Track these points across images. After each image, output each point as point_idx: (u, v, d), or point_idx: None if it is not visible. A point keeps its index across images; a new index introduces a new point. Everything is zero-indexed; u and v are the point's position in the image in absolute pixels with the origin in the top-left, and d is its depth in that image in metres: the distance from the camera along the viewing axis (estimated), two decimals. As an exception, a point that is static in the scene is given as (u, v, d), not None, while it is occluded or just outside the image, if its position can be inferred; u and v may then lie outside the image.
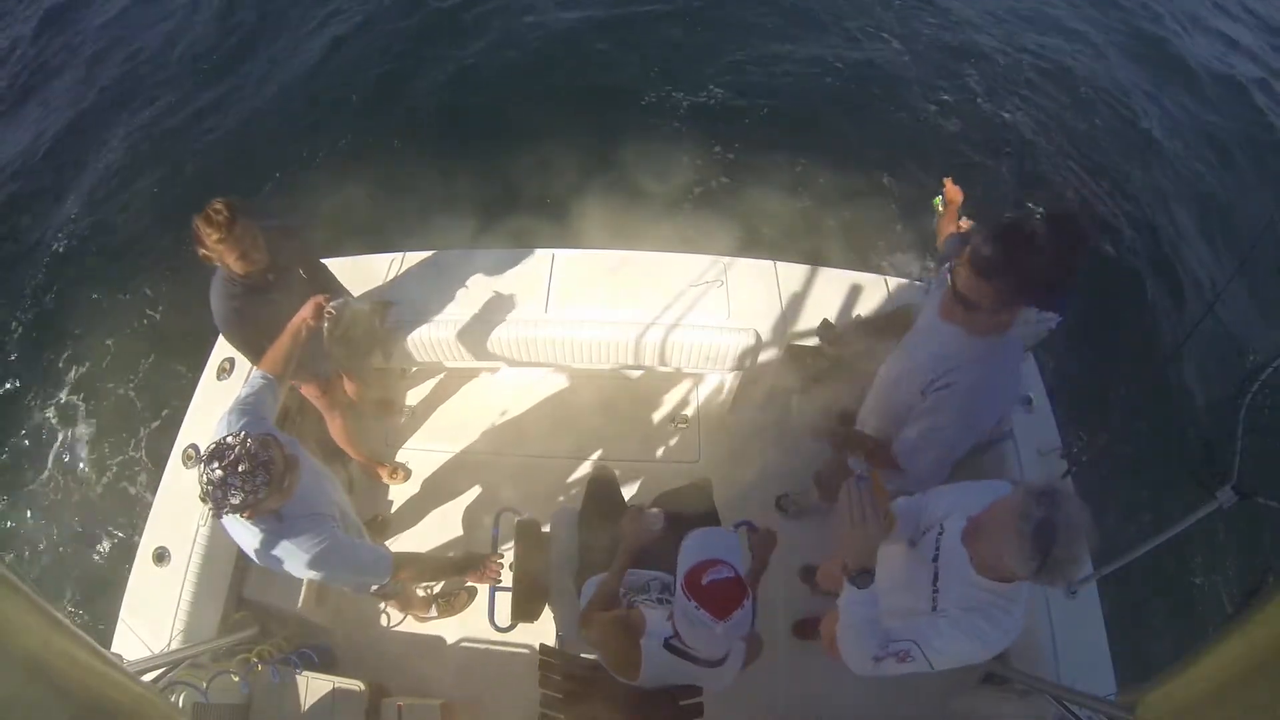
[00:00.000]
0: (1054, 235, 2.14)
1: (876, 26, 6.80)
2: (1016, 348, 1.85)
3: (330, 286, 2.75)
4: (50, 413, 4.45)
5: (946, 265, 2.49)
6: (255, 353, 2.44)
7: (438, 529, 3.08)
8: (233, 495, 1.59)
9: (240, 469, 1.59)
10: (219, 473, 1.59)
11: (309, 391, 2.72)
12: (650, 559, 2.05)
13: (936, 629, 1.54)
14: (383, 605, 2.86)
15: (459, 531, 3.07)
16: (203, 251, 2.16)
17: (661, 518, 2.00)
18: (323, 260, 2.76)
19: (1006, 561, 1.39)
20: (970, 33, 6.97)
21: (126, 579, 2.49)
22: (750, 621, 1.50)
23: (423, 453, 3.27)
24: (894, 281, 3.12)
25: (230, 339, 2.43)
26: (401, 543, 3.02)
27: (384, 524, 3.08)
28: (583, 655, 2.11)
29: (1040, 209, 5.43)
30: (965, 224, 2.65)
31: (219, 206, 2.10)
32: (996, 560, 1.45)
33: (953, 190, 2.64)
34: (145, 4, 7.18)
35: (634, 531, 1.97)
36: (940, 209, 2.67)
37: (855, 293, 3.08)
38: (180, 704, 2.06)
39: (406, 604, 2.80)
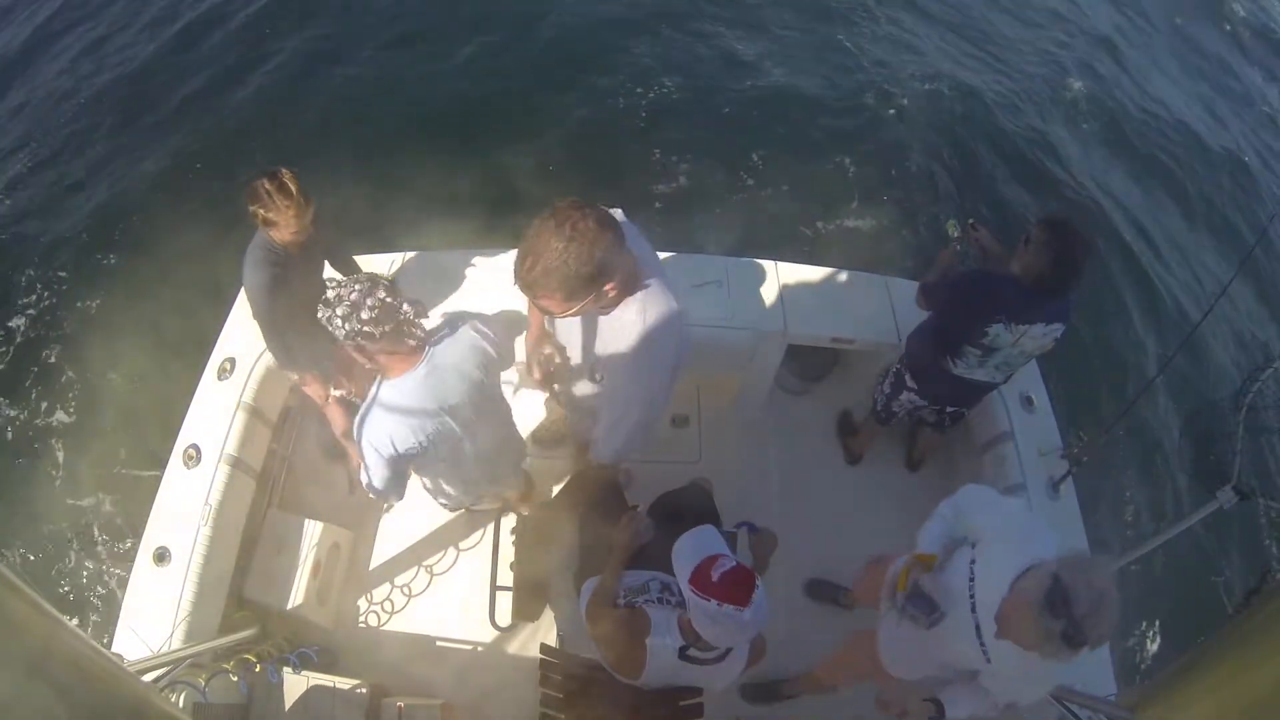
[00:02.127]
0: (1050, 239, 2.14)
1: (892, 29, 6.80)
2: (654, 310, 1.71)
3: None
4: (50, 412, 4.45)
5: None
6: (274, 325, 2.46)
7: (437, 529, 3.08)
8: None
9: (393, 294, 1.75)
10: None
11: (313, 390, 2.72)
12: (648, 560, 2.05)
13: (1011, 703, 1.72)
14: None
15: (459, 531, 3.06)
16: (263, 214, 2.17)
17: (652, 527, 2.00)
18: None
19: (1042, 656, 1.48)
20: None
21: (126, 579, 2.49)
22: (765, 603, 1.52)
23: (423, 453, 3.26)
24: (895, 282, 3.12)
25: (258, 306, 2.41)
26: (400, 542, 3.02)
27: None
28: (583, 655, 2.11)
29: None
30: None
31: (289, 175, 2.15)
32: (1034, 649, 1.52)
33: (985, 244, 2.57)
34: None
35: (625, 539, 1.97)
36: (954, 234, 2.63)
37: (857, 292, 3.09)
38: (180, 704, 2.06)
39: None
